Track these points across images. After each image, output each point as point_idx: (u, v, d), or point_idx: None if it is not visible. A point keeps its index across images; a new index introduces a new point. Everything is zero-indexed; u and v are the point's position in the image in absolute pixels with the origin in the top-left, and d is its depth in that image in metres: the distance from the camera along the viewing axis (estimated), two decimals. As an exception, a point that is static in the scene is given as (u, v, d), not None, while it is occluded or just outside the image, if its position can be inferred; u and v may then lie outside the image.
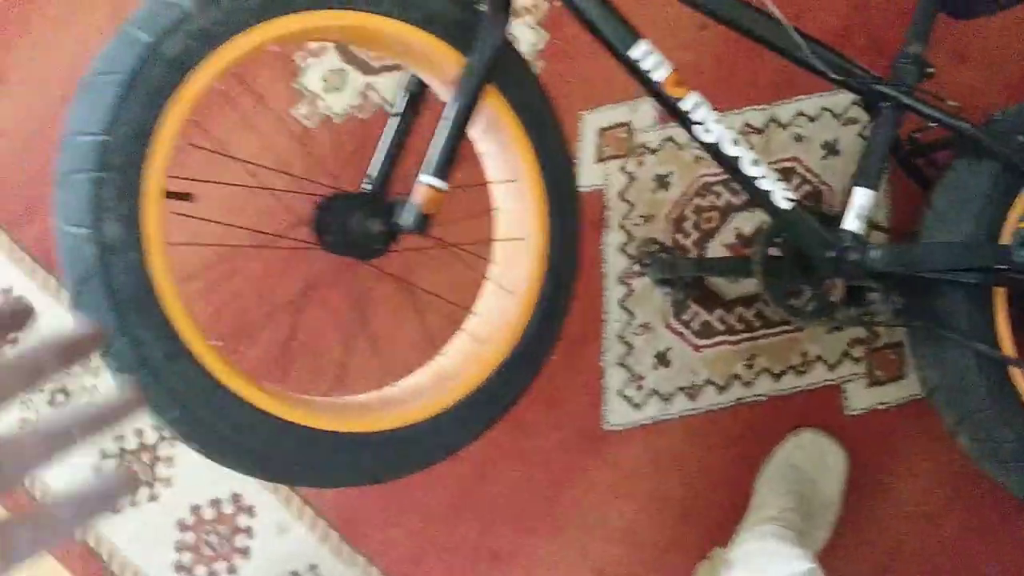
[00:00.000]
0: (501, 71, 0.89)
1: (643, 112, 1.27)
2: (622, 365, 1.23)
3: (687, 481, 1.21)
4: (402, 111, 1.00)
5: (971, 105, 1.13)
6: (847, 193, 1.06)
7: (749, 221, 1.26)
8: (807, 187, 1.26)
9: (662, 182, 1.26)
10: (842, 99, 1.27)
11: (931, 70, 1.06)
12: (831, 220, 1.07)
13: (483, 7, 0.91)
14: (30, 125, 1.22)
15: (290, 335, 1.10)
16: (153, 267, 0.75)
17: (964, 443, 1.08)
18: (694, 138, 1.01)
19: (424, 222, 0.85)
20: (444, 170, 0.85)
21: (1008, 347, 1.04)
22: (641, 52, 0.97)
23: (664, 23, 1.22)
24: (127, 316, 0.74)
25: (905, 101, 1.05)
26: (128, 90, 0.73)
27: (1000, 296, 1.04)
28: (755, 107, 1.27)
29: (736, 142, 1.00)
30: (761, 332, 1.24)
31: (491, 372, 0.95)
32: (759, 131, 1.27)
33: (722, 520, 1.20)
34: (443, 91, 0.98)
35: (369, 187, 0.98)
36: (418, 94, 1.00)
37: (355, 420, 0.88)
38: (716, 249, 1.26)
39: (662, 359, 1.24)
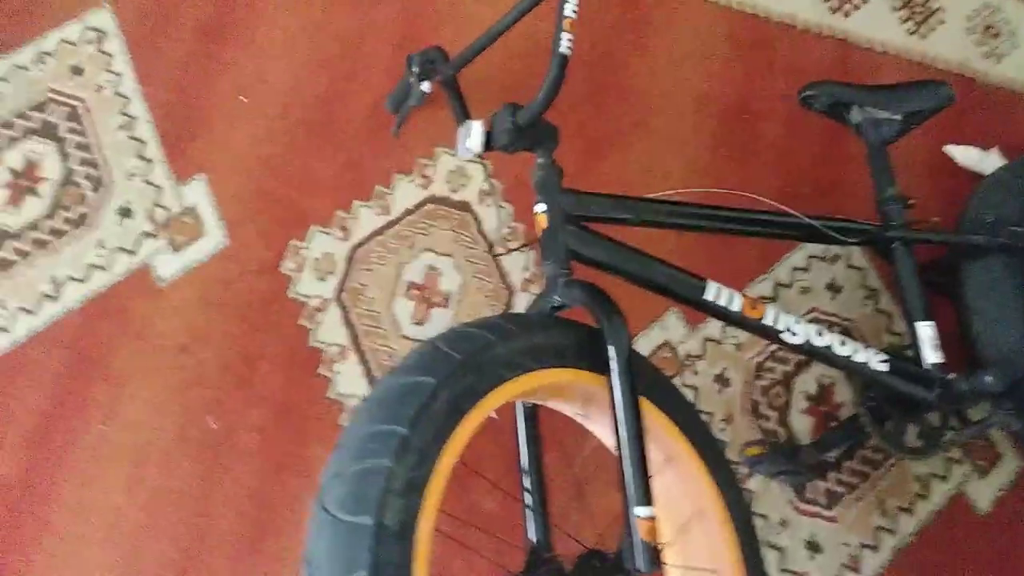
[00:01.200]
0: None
1: (672, 326, 1.31)
2: (785, 571, 1.20)
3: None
4: (528, 457, 0.96)
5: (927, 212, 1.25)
6: (911, 330, 1.14)
7: (809, 382, 1.31)
8: (837, 329, 1.34)
9: (722, 380, 1.29)
10: (819, 244, 1.39)
11: (912, 201, 1.19)
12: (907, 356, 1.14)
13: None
14: None
15: None
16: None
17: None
18: (783, 345, 1.05)
19: (658, 556, 0.80)
20: (649, 495, 0.81)
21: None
22: (714, 293, 1.01)
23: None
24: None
25: (910, 236, 1.17)
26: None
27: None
28: (757, 280, 1.35)
29: (820, 333, 1.05)
30: (874, 475, 1.27)
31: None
32: (772, 298, 1.34)
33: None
34: (575, 412, 0.96)
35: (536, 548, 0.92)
36: (534, 415, 0.97)
37: None
38: (798, 419, 1.28)
39: (813, 546, 1.22)
